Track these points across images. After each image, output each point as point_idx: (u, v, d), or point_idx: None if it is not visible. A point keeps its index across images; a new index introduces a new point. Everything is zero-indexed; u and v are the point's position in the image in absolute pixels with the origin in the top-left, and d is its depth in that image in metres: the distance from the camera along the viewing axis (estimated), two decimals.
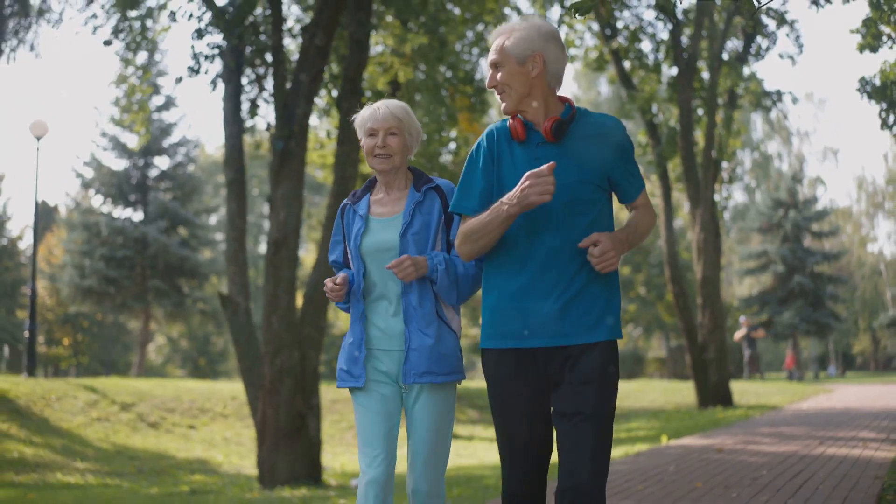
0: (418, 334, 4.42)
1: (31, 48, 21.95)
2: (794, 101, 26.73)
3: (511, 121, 4.03)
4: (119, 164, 41.11)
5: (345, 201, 4.75)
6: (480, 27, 20.49)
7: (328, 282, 4.49)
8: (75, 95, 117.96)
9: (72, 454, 17.02)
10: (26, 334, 24.59)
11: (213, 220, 53.42)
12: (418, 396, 4.45)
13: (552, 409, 3.98)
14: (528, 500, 4.04)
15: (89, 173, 40.80)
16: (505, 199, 3.84)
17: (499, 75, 3.98)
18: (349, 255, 4.65)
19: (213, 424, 21.26)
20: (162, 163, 41.38)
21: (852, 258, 72.16)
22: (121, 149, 40.73)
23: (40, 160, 26.05)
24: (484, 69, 21.59)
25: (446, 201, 4.54)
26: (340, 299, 4.52)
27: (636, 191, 4.10)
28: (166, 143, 41.00)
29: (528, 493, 4.02)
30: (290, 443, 13.36)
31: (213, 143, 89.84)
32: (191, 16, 13.72)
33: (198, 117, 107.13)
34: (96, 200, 41.52)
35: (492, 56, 4.00)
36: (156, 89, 39.58)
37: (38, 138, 24.50)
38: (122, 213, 40.32)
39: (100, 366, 50.21)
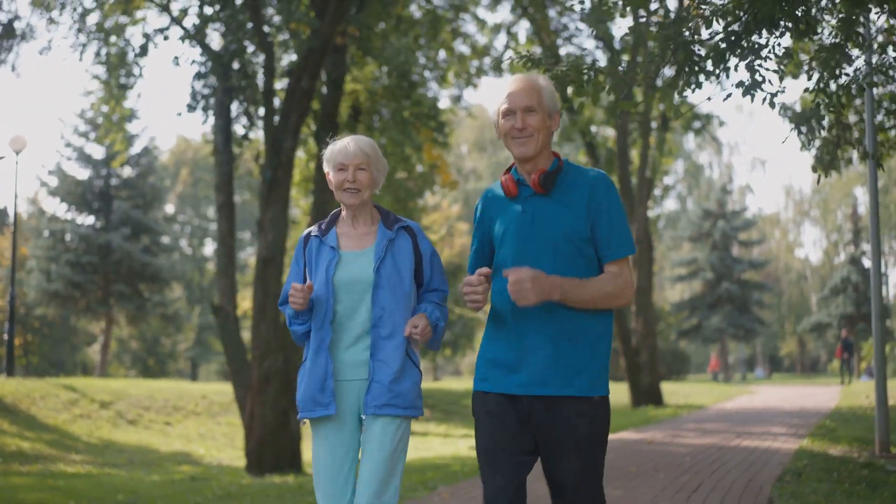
0: (383, 367, 4.49)
1: (13, 68, 23.40)
2: (721, 123, 28.94)
3: (503, 177, 4.18)
4: (83, 173, 42.52)
5: (308, 231, 4.77)
6: (432, 53, 22.31)
7: (295, 284, 4.46)
8: (38, 105, 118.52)
9: (64, 448, 18.59)
10: (5, 336, 25.95)
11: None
12: (375, 427, 4.49)
13: (541, 457, 4.09)
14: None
15: (53, 182, 42.15)
16: (463, 281, 4.06)
17: (531, 119, 4.06)
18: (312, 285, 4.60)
19: (187, 421, 22.94)
20: (123, 172, 42.70)
21: (780, 264, 74.76)
22: (84, 159, 42.14)
23: (13, 172, 27.38)
24: (436, 91, 23.43)
25: (416, 242, 4.67)
26: (304, 306, 4.48)
27: (611, 253, 4.06)
28: (128, 153, 42.35)
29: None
30: (275, 437, 15.17)
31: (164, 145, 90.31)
32: (193, 61, 15.48)
33: (152, 121, 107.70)
34: (60, 208, 42.77)
35: (525, 101, 4.06)
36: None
37: (17, 153, 25.94)
38: (85, 220, 41.64)
39: (49, 366, 51.15)
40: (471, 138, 77.42)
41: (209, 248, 75.44)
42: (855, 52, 8.97)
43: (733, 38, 6.52)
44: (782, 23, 6.20)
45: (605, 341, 4.08)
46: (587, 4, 22.52)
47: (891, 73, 8.04)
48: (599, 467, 4.03)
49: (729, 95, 6.70)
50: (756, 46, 6.40)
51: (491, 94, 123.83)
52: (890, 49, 8.44)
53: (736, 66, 6.53)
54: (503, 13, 27.30)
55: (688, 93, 6.93)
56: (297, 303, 4.43)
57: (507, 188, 4.13)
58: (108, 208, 41.15)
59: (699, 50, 6.60)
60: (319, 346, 4.53)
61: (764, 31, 6.43)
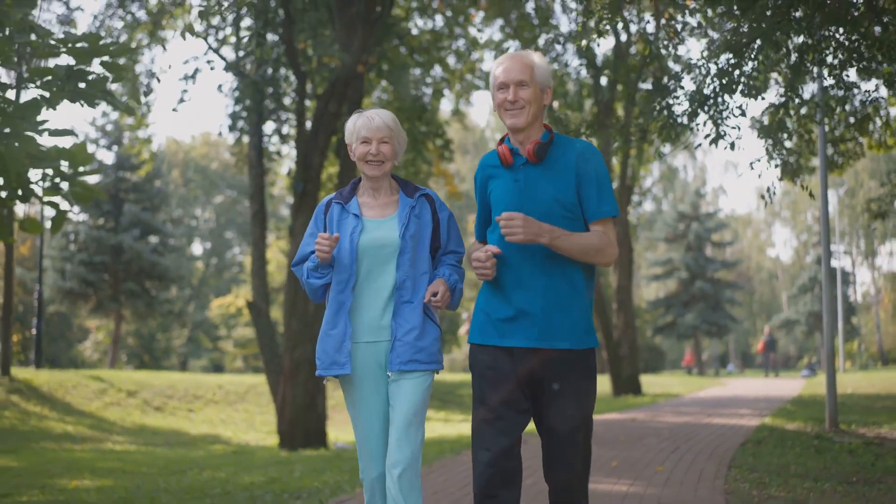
0: (405, 326, 4.69)
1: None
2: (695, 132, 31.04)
3: (499, 147, 4.46)
4: (94, 177, 44.38)
5: (329, 198, 4.92)
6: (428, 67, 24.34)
7: (323, 234, 4.62)
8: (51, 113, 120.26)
9: (104, 431, 20.58)
10: (33, 331, 27.87)
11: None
12: (400, 381, 4.70)
13: (535, 417, 4.42)
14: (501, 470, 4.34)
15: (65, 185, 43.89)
16: (472, 257, 4.35)
17: (523, 92, 4.34)
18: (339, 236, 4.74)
19: (208, 409, 24.99)
20: (132, 176, 44.56)
21: (751, 263, 76.80)
22: (96, 164, 44.05)
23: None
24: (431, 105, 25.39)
25: (435, 208, 4.85)
26: (328, 256, 4.62)
27: (596, 213, 4.35)
28: (137, 159, 44.23)
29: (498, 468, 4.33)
30: (304, 417, 17.25)
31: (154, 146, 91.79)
32: (235, 88, 17.60)
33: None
34: (73, 210, 44.49)
35: (518, 75, 4.33)
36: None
37: None
38: (97, 221, 43.43)
39: (45, 361, 52.59)
40: (455, 140, 79.09)
41: (198, 247, 77.23)
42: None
43: (702, 99, 8.68)
44: (739, 91, 8.36)
45: (591, 299, 4.46)
46: (573, 27, 24.53)
47: (849, 91, 9.88)
48: (591, 411, 4.38)
49: (699, 145, 8.89)
50: (720, 107, 8.57)
51: (475, 101, 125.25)
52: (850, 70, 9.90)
53: (705, 122, 8.69)
54: (493, 30, 29.08)
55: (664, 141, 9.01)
56: (324, 250, 4.60)
57: (504, 157, 4.43)
58: (118, 211, 43.11)
59: (677, 111, 8.76)
60: (339, 309, 4.75)
61: (726, 95, 8.59)
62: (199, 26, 17.55)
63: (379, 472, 4.70)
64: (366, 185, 4.86)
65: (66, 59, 8.04)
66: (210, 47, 18.10)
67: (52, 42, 7.90)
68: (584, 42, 9.54)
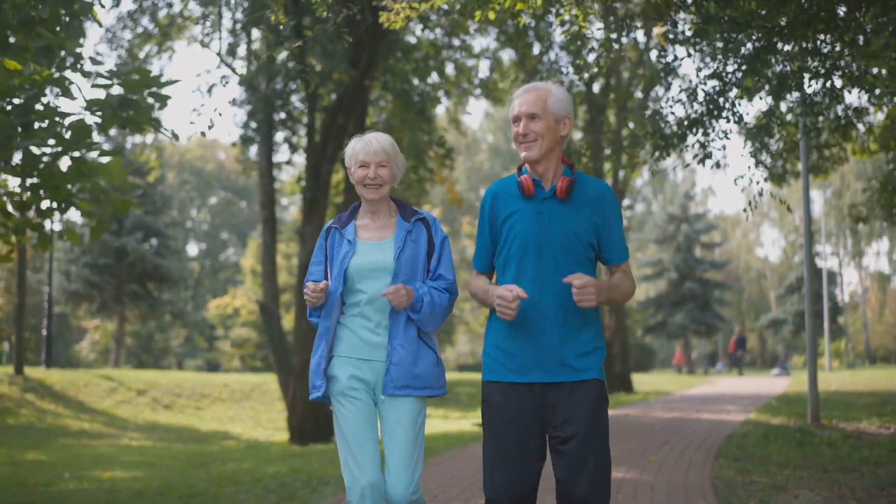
0: (399, 351, 4.65)
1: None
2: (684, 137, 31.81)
3: (522, 177, 4.33)
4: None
5: (329, 224, 4.91)
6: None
7: (310, 284, 4.66)
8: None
9: (118, 427, 21.37)
10: (44, 332, 28.66)
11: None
12: (395, 407, 4.67)
13: (549, 437, 4.30)
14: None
15: None
16: (493, 293, 4.25)
17: (534, 125, 4.26)
18: (329, 275, 4.79)
19: (215, 407, 25.82)
20: (137, 180, 45.25)
21: (740, 263, 77.44)
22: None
23: None
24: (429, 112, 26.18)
25: (431, 233, 4.81)
26: (318, 303, 4.68)
27: (619, 257, 4.40)
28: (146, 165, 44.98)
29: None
30: (313, 414, 18.12)
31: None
32: (248, 102, 18.49)
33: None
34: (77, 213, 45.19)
35: (529, 108, 4.28)
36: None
37: None
38: None
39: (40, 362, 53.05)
40: (449, 142, 79.59)
41: (193, 248, 77.92)
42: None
43: (690, 123, 9.58)
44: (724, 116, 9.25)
45: (601, 330, 4.47)
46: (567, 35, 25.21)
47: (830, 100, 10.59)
48: (607, 433, 4.29)
49: (688, 165, 9.80)
50: (706, 129, 9.46)
51: (471, 109, 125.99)
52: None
53: (693, 144, 9.57)
54: (489, 39, 29.75)
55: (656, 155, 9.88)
56: (311, 301, 4.67)
57: (526, 187, 4.31)
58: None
59: (668, 131, 9.65)
60: (322, 332, 4.76)
61: (712, 120, 9.49)
62: (250, 81, 18.42)
63: (371, 480, 4.58)
64: (365, 208, 4.87)
65: (116, 89, 8.88)
66: (223, 61, 18.90)
67: (106, 74, 8.75)
68: (585, 75, 10.34)
